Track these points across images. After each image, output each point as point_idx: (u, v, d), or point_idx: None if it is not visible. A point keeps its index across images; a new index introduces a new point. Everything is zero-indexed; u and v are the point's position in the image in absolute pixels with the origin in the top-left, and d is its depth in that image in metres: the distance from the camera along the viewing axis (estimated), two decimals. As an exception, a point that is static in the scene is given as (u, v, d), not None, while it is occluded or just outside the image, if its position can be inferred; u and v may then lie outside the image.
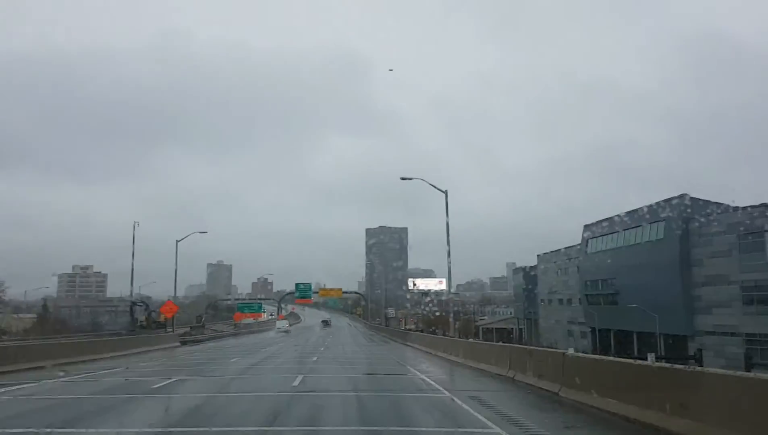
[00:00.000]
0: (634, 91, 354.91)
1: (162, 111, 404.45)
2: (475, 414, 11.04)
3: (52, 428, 9.69)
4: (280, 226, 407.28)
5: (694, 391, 8.67)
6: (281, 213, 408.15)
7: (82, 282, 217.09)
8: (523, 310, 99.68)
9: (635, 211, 63.93)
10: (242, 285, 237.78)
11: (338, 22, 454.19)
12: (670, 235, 56.71)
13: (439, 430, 10.06)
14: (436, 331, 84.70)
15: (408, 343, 45.43)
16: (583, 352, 29.24)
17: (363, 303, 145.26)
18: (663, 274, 56.01)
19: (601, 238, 71.08)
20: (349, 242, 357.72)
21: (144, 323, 61.27)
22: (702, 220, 54.02)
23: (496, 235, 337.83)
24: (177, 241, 54.18)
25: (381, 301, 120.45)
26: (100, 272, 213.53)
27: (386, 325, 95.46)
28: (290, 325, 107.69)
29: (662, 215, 57.95)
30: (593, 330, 71.93)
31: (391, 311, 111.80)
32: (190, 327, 69.98)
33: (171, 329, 54.42)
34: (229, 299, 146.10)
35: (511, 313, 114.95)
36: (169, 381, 17.26)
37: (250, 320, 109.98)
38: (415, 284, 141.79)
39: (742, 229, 49.63)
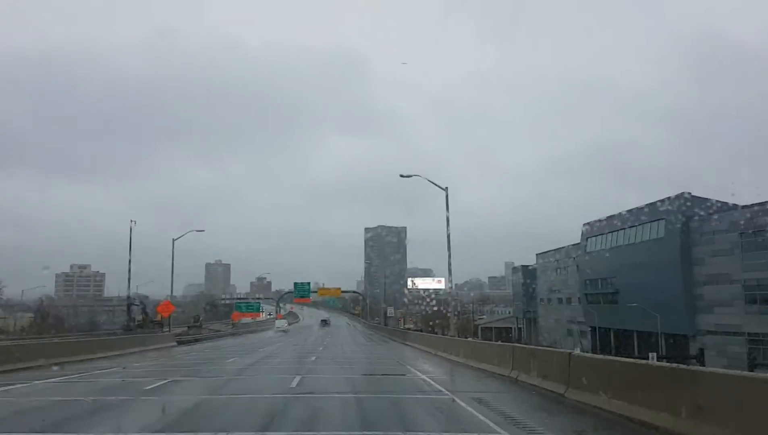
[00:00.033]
0: (634, 91, 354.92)
1: (161, 110, 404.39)
2: (480, 416, 10.61)
3: (33, 434, 9.23)
4: (278, 225, 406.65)
5: (712, 395, 8.24)
6: (280, 212, 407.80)
7: (80, 281, 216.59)
8: (523, 309, 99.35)
9: (635, 209, 63.59)
10: (241, 284, 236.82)
11: (338, 22, 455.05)
12: (670, 233, 56.35)
13: (443, 434, 9.62)
14: (436, 330, 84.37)
15: (407, 343, 45.05)
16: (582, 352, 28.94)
17: (362, 302, 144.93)
18: (664, 273, 55.67)
19: (600, 236, 70.71)
20: (348, 241, 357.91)
21: (141, 323, 60.86)
22: (703, 217, 53.67)
23: (494, 235, 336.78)
24: (173, 240, 53.71)
25: (380, 301, 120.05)
26: (97, 272, 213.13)
27: (385, 325, 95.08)
28: (289, 325, 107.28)
29: (663, 213, 57.59)
30: (593, 329, 71.59)
31: (390, 310, 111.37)
32: (188, 326, 69.46)
33: (167, 329, 53.96)
34: (227, 298, 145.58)
35: (509, 313, 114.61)
36: (163, 382, 16.81)
37: (249, 320, 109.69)
38: (414, 283, 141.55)
39: (744, 226, 49.26)
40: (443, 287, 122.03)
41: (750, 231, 48.88)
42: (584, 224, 75.74)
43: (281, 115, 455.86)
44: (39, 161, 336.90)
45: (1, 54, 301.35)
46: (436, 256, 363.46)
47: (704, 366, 38.68)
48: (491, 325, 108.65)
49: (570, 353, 13.88)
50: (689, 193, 56.35)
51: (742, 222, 49.76)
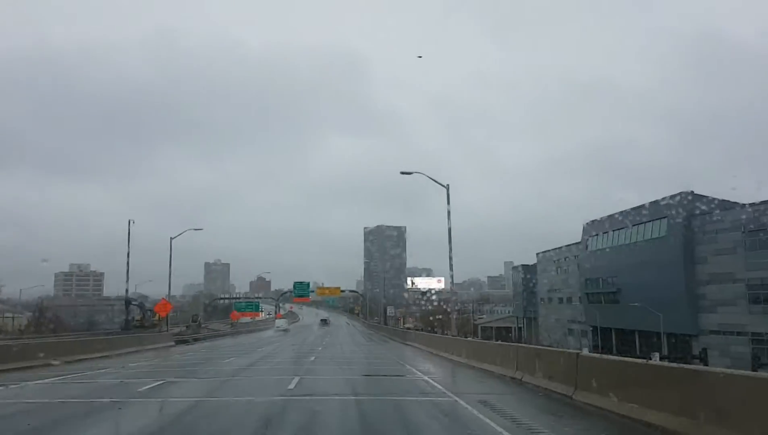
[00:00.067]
0: (634, 91, 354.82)
1: (161, 110, 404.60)
2: (486, 420, 10.15)
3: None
4: (278, 225, 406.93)
5: (733, 399, 7.77)
6: (280, 212, 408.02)
7: (79, 280, 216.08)
8: (523, 308, 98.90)
9: (637, 208, 63.14)
10: (240, 284, 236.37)
11: (338, 22, 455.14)
12: (673, 231, 55.89)
13: (449, 440, 9.17)
14: (436, 329, 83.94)
15: (407, 342, 44.63)
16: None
17: (361, 301, 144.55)
18: (666, 272, 55.19)
19: (602, 235, 70.24)
20: (348, 241, 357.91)
21: (138, 322, 60.44)
22: (706, 215, 53.22)
23: (494, 235, 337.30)
24: (171, 239, 53.25)
25: (379, 300, 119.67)
26: (96, 271, 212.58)
27: (385, 324, 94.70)
28: (289, 324, 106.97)
29: (665, 211, 57.16)
30: (594, 329, 71.13)
31: (390, 310, 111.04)
32: (186, 326, 69.02)
33: (165, 328, 53.48)
34: (226, 298, 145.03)
35: (509, 312, 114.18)
36: (157, 383, 16.34)
37: (248, 319, 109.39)
38: (413, 283, 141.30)
39: (748, 224, 48.79)
40: (443, 287, 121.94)
41: (754, 229, 48.40)
42: (585, 223, 75.30)
43: (281, 115, 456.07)
44: (39, 161, 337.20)
45: (1, 54, 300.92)
46: (436, 256, 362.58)
47: (707, 366, 38.27)
48: (491, 325, 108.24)
49: (578, 354, 13.43)
50: (691, 191, 55.91)
51: (743, 218, 49.34)
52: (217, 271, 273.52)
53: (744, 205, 50.88)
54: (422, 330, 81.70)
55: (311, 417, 10.69)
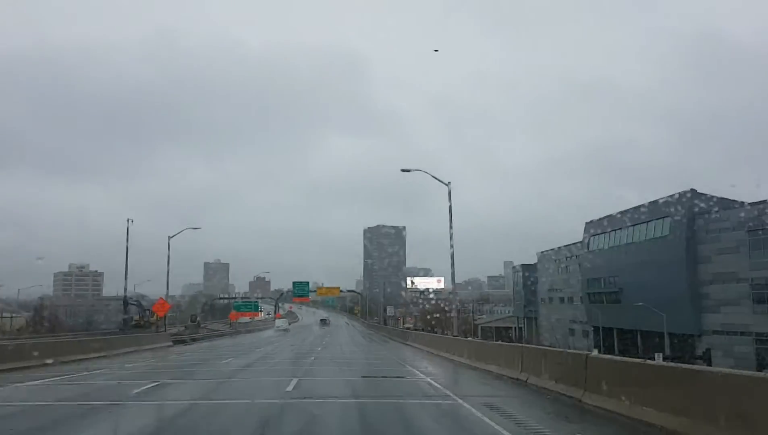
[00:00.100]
0: (634, 91, 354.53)
1: (161, 110, 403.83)
2: (493, 424, 9.70)
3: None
4: (277, 224, 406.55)
5: (756, 402, 7.33)
6: (279, 212, 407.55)
7: (78, 280, 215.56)
8: (523, 308, 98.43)
9: (639, 207, 62.72)
10: (240, 284, 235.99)
11: (338, 22, 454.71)
12: (675, 231, 55.46)
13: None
14: (436, 329, 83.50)
15: (408, 343, 44.22)
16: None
17: (361, 301, 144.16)
18: (668, 272, 54.75)
19: (603, 235, 69.82)
20: (348, 241, 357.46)
21: (137, 322, 60.02)
22: (709, 215, 52.80)
23: (494, 234, 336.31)
24: (169, 238, 52.67)
25: (379, 300, 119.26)
26: (96, 271, 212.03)
27: (385, 324, 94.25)
28: (289, 324, 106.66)
29: (665, 209, 56.75)
30: (595, 329, 70.69)
31: (390, 309, 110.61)
32: (185, 326, 68.62)
33: (163, 328, 53.03)
34: (225, 298, 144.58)
35: (509, 312, 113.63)
36: (153, 385, 15.89)
37: (247, 319, 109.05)
38: (413, 283, 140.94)
39: (751, 224, 48.37)
40: (442, 286, 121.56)
41: (757, 229, 47.97)
42: (586, 223, 74.86)
43: (281, 115, 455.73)
44: (39, 161, 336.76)
45: (1, 54, 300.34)
46: (436, 257, 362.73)
47: (711, 366, 37.83)
48: (491, 325, 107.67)
49: (587, 355, 12.98)
50: (691, 189, 55.49)
51: (744, 216, 48.92)
52: (216, 271, 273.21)
53: (743, 203, 50.48)
54: (422, 330, 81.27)
55: (310, 420, 10.23)
